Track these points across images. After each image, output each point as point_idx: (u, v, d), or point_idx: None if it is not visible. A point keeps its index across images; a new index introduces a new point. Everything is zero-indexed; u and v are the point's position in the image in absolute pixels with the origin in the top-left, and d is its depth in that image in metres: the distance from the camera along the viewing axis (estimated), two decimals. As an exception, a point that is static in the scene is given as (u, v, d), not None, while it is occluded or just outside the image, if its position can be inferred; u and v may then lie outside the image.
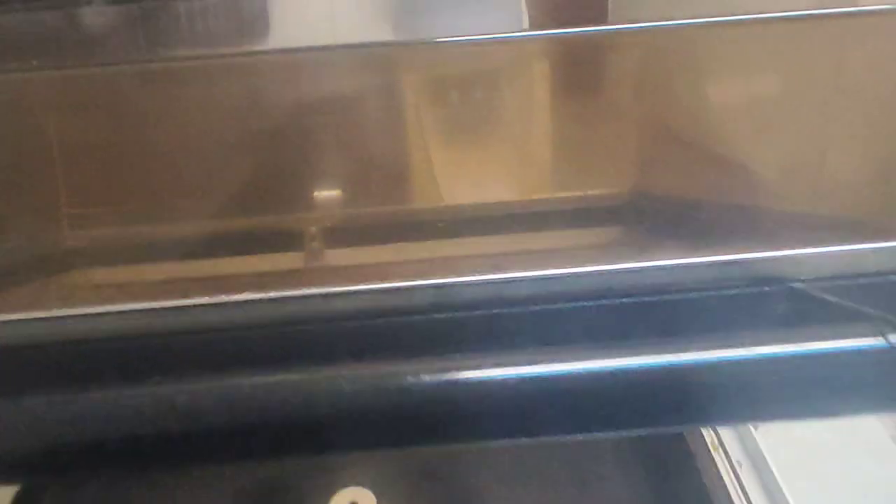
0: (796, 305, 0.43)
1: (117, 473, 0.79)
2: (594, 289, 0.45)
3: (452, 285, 0.46)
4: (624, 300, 0.45)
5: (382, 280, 0.45)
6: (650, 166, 0.65)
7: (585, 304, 0.45)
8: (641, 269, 0.45)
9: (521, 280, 0.46)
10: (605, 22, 0.59)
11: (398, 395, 0.35)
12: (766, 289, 0.44)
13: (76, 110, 0.58)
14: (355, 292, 0.46)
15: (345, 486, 0.74)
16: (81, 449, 0.35)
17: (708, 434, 0.69)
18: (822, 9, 0.55)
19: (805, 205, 0.57)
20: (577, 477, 0.81)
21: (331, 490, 0.74)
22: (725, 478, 0.65)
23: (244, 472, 0.81)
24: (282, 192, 0.64)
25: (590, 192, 0.73)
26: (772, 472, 0.63)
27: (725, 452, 0.67)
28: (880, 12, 0.50)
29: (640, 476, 0.81)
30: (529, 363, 0.35)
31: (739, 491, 0.64)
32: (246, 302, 0.45)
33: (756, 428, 0.70)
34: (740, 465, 0.66)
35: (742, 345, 0.35)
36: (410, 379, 0.35)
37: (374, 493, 0.74)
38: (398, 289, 0.45)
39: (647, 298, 0.45)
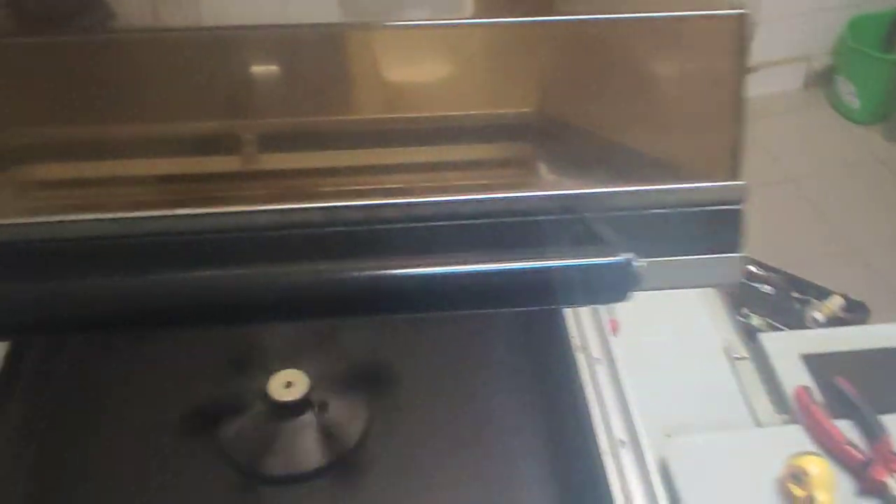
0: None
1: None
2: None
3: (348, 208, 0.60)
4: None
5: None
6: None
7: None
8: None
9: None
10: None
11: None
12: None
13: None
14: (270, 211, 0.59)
15: (281, 369, 0.90)
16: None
17: (574, 336, 0.85)
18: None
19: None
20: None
21: (269, 372, 0.89)
22: (582, 374, 0.81)
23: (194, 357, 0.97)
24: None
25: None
26: (617, 371, 0.80)
27: (587, 352, 0.83)
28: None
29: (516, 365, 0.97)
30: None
31: (593, 385, 0.80)
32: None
33: (615, 333, 0.85)
34: (599, 363, 0.82)
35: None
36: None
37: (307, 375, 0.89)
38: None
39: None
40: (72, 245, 0.60)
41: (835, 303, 1.80)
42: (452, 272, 0.50)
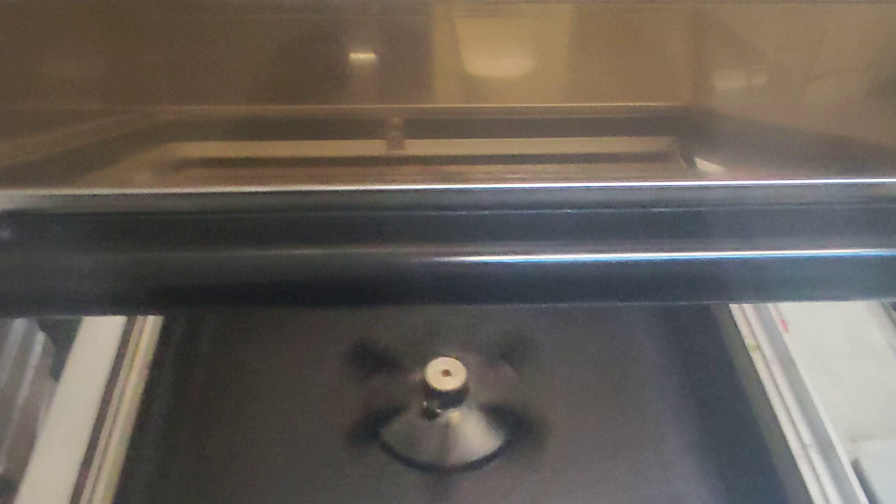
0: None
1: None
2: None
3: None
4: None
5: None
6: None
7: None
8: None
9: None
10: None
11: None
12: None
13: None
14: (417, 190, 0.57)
15: (433, 357, 0.89)
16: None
17: (748, 335, 0.83)
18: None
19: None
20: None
21: (426, 360, 0.88)
22: (762, 375, 0.80)
23: (347, 337, 0.95)
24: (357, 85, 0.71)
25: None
26: (799, 372, 0.78)
27: (762, 352, 0.81)
28: None
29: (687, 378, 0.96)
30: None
31: (774, 386, 0.78)
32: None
33: (787, 330, 0.84)
34: (772, 363, 0.81)
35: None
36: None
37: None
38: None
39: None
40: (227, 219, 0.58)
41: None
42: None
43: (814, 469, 0.72)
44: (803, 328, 0.86)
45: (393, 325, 0.97)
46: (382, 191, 0.58)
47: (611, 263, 0.50)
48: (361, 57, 0.68)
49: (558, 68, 0.78)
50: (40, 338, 1.12)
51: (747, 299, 0.58)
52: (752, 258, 0.49)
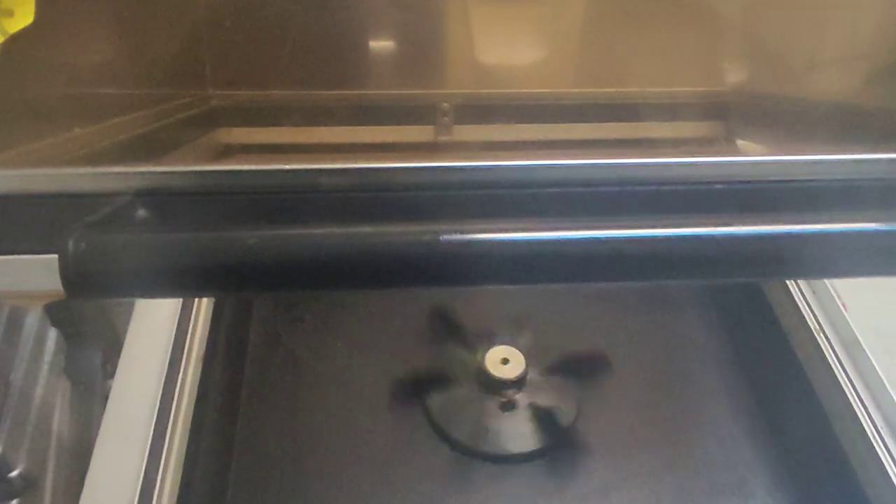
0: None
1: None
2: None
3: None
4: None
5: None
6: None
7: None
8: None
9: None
10: None
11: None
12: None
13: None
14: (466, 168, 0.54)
15: (493, 345, 0.87)
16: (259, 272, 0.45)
17: (809, 318, 0.83)
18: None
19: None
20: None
21: (486, 347, 0.86)
22: (828, 357, 0.79)
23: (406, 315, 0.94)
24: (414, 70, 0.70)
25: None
26: (865, 353, 0.77)
27: (825, 335, 0.81)
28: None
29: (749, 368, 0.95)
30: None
31: (840, 368, 0.78)
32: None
33: (846, 309, 0.83)
34: (836, 346, 0.80)
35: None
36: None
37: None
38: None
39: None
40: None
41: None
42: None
43: (891, 455, 0.71)
44: (861, 311, 0.85)
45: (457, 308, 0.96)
46: (426, 168, 0.55)
47: (659, 239, 0.47)
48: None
49: (597, 52, 0.76)
50: (52, 334, 1.09)
51: (806, 275, 0.56)
52: (803, 232, 0.47)
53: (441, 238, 0.44)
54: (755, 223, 0.45)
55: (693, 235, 0.46)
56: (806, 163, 0.52)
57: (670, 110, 0.85)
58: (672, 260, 0.47)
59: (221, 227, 0.43)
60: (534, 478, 0.81)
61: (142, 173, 0.42)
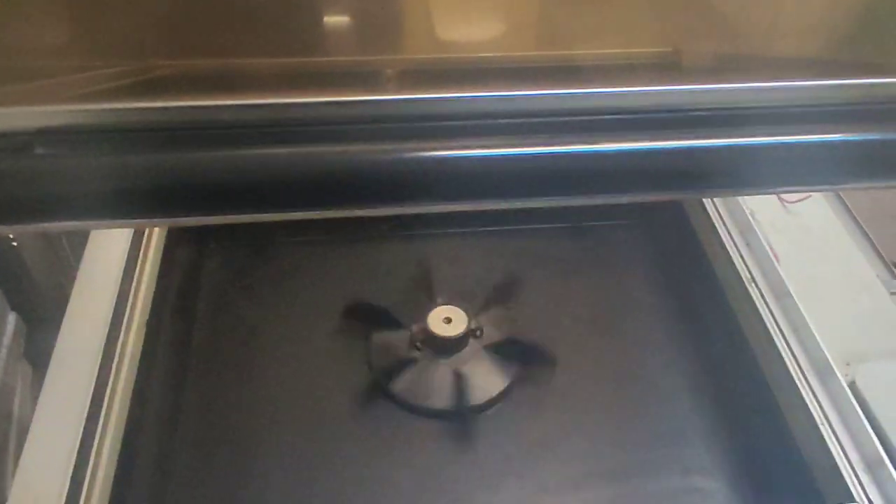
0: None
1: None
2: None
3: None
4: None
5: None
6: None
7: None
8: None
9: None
10: None
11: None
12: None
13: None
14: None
15: (440, 304, 0.89)
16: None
17: (742, 270, 0.85)
18: None
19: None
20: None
21: (429, 308, 0.88)
22: (758, 306, 0.81)
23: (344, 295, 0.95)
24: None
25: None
26: (794, 301, 0.80)
27: (756, 285, 0.83)
28: None
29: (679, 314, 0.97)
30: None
31: (770, 316, 0.80)
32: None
33: (778, 261, 0.85)
34: (767, 295, 0.82)
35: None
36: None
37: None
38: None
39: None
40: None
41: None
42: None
43: (813, 393, 0.74)
44: (794, 262, 0.88)
45: (387, 281, 0.98)
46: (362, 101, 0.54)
47: (587, 154, 0.48)
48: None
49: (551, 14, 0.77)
50: (12, 318, 1.10)
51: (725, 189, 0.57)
52: (725, 146, 0.48)
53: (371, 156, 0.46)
54: (673, 138, 0.47)
55: (616, 151, 0.47)
56: (741, 90, 0.53)
57: (627, 71, 0.85)
58: (601, 173, 0.48)
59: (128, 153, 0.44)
60: (482, 432, 0.84)
61: (44, 112, 0.43)
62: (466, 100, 0.51)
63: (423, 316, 0.88)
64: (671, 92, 0.53)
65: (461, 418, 0.84)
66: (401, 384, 0.85)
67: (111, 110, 0.47)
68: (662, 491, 0.79)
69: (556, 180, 0.49)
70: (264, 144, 0.48)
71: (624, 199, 0.55)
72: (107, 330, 0.75)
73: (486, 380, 0.86)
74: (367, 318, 0.91)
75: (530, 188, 0.49)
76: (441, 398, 0.85)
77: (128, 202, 0.46)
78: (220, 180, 0.46)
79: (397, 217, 1.03)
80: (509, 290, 0.94)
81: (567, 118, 0.53)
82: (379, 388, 0.85)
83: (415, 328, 0.89)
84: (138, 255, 0.83)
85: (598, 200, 0.54)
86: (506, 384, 0.86)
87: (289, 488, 0.78)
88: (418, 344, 0.87)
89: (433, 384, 0.85)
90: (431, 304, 0.89)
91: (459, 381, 0.85)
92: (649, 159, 0.49)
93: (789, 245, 0.90)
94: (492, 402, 0.85)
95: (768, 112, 0.52)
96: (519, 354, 0.88)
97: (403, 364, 0.86)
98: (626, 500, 0.78)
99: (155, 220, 0.52)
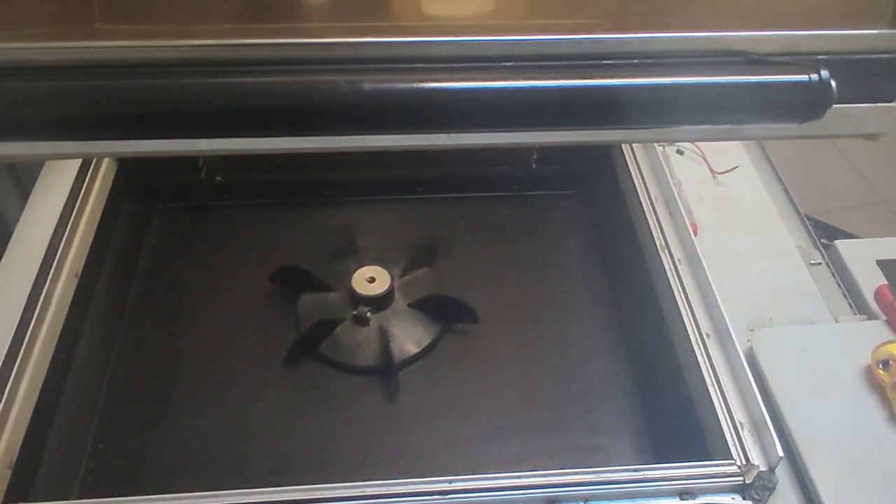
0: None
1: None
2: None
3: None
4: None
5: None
6: None
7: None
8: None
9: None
10: None
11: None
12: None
13: None
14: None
15: (363, 265, 0.92)
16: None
17: (657, 237, 0.87)
18: None
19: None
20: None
21: (352, 269, 0.91)
22: (668, 272, 0.83)
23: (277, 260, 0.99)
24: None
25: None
26: (703, 269, 0.81)
27: (669, 252, 0.84)
28: None
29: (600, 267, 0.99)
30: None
31: (678, 282, 0.82)
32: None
33: (696, 234, 0.87)
34: (680, 262, 0.84)
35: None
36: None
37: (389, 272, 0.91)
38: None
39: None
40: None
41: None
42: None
43: (709, 357, 0.76)
44: (714, 232, 0.89)
45: (321, 245, 1.00)
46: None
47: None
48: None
49: None
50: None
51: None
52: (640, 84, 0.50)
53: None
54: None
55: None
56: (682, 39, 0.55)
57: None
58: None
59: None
60: (417, 379, 0.87)
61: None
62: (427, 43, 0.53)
63: (349, 278, 0.91)
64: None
65: (384, 374, 0.87)
66: (326, 343, 0.88)
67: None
68: (567, 448, 0.82)
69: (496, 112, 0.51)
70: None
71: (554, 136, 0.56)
72: (34, 276, 0.79)
73: (409, 338, 0.89)
74: (294, 281, 0.94)
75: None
76: (364, 356, 0.88)
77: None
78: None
79: (339, 183, 1.06)
80: (432, 252, 0.97)
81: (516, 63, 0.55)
82: (304, 344, 0.88)
83: (340, 290, 0.92)
84: (74, 206, 0.87)
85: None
86: (428, 341, 0.89)
87: (207, 435, 0.82)
88: (344, 303, 0.91)
89: (357, 343, 0.89)
90: (356, 266, 0.92)
91: (383, 338, 0.88)
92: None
93: (714, 215, 0.91)
94: (414, 358, 0.88)
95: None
96: (442, 310, 0.91)
97: (329, 324, 0.90)
98: (530, 456, 0.81)
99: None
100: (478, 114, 0.52)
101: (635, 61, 0.48)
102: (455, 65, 0.53)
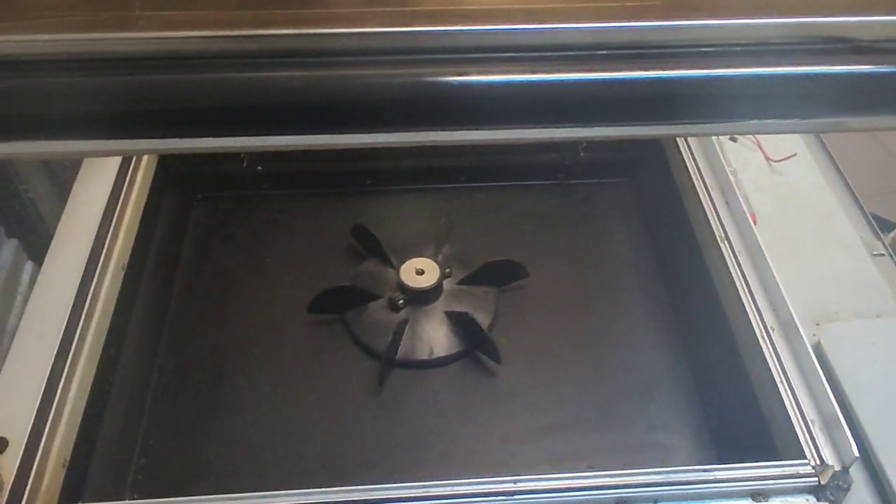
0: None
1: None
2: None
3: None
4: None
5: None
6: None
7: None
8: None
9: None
10: None
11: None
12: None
13: None
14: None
15: (413, 257, 0.90)
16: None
17: (716, 228, 0.84)
18: None
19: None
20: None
21: (401, 261, 0.89)
22: (729, 264, 0.80)
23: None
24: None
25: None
26: (766, 260, 0.78)
27: (729, 243, 0.82)
28: None
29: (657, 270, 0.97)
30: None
31: (740, 274, 0.79)
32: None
33: (755, 223, 0.84)
34: (740, 254, 0.81)
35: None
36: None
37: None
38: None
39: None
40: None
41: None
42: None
43: (775, 352, 0.73)
44: (773, 222, 0.86)
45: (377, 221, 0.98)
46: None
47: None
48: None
49: None
50: (28, 266, 1.13)
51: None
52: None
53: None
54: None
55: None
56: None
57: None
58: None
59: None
60: (446, 383, 0.85)
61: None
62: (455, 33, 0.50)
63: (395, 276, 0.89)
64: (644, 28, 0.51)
65: (385, 365, 0.84)
66: (353, 311, 0.87)
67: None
68: (625, 445, 0.80)
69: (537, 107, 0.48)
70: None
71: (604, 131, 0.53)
72: (81, 272, 0.77)
73: (424, 343, 0.86)
74: (366, 244, 0.94)
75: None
76: (376, 339, 0.85)
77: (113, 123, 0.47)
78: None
79: (381, 172, 1.03)
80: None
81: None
82: (330, 296, 0.87)
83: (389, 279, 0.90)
84: (118, 200, 0.85)
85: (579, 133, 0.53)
86: (442, 355, 0.85)
87: (258, 429, 0.80)
88: (400, 303, 0.89)
89: (378, 323, 0.87)
90: (405, 256, 0.90)
91: (398, 330, 0.85)
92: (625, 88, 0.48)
93: (772, 204, 0.88)
94: (418, 364, 0.85)
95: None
96: (467, 331, 0.87)
97: (362, 294, 0.88)
98: (587, 453, 0.79)
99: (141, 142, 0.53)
100: (538, 109, 0.49)
101: (738, 49, 0.45)
102: (496, 55, 0.50)
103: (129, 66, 0.46)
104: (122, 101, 0.45)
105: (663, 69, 0.47)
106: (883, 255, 0.87)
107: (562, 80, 0.48)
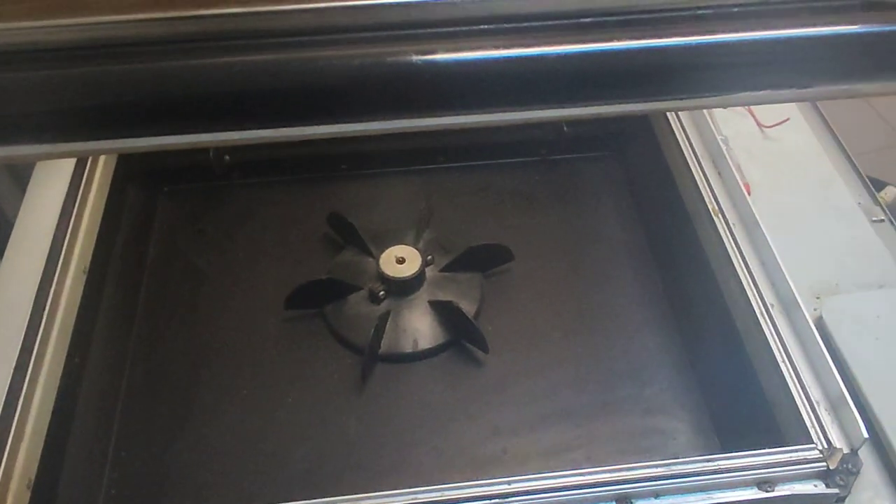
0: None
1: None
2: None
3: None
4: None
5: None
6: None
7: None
8: None
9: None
10: None
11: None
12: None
13: None
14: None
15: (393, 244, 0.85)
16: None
17: (709, 201, 0.80)
18: None
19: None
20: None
21: (380, 250, 0.85)
22: (723, 238, 0.77)
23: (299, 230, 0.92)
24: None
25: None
26: (762, 233, 0.75)
27: (723, 216, 0.78)
28: None
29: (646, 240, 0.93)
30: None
31: (735, 248, 0.75)
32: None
33: (749, 194, 0.80)
34: (735, 226, 0.77)
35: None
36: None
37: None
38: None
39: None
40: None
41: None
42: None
43: (776, 329, 0.70)
44: (767, 191, 0.83)
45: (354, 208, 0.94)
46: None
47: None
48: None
49: None
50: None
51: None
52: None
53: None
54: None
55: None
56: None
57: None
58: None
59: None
60: (432, 376, 0.81)
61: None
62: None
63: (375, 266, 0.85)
64: None
65: (368, 359, 0.80)
66: (333, 305, 0.83)
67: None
68: (623, 432, 0.77)
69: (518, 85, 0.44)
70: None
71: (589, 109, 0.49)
72: (39, 278, 0.73)
73: (408, 335, 0.82)
74: (342, 232, 0.90)
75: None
76: (357, 333, 0.81)
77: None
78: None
79: (355, 155, 0.99)
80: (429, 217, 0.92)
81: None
82: (308, 290, 0.83)
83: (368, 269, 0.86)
84: (76, 198, 0.80)
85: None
86: (427, 347, 0.81)
87: (236, 435, 0.76)
88: (381, 294, 0.84)
89: (359, 316, 0.83)
90: (384, 245, 0.85)
91: (380, 324, 0.81)
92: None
93: (765, 172, 0.85)
94: (405, 357, 0.82)
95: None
96: (452, 322, 0.83)
97: (342, 287, 0.84)
98: (583, 442, 0.76)
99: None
100: (519, 89, 0.44)
101: (735, 9, 0.41)
102: (467, 27, 0.45)
103: (60, 58, 0.41)
104: (49, 98, 0.40)
105: (662, 36, 0.42)
106: (882, 220, 0.83)
107: (545, 55, 0.43)
